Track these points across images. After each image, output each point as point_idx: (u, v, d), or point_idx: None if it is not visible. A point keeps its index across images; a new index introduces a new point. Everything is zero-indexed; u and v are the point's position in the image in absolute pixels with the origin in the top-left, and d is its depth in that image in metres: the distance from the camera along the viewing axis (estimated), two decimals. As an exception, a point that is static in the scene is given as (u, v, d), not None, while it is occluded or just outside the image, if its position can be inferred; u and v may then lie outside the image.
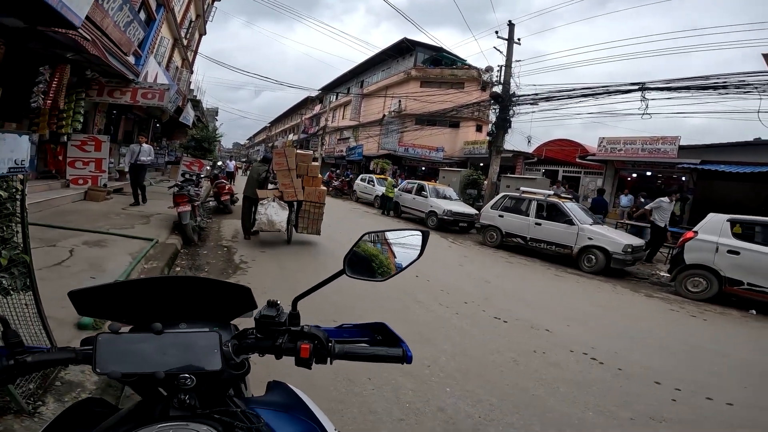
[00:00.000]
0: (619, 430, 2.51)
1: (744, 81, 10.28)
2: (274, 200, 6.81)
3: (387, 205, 14.54)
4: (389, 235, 1.04)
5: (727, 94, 10.57)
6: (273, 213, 6.64)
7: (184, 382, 0.67)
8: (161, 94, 9.57)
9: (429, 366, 3.09)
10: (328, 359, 0.81)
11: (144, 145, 8.53)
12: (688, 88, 11.03)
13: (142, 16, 10.62)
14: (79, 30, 5.78)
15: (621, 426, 2.56)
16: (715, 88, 10.62)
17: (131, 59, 9.66)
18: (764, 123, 10.05)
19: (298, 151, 7.52)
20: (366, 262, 0.98)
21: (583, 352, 3.70)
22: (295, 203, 7.00)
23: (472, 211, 12.00)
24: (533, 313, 4.77)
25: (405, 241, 1.03)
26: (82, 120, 8.57)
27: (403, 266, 0.99)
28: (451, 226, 11.46)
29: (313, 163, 7.48)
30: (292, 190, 6.92)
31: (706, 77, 10.78)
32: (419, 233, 1.03)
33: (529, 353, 3.57)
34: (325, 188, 7.99)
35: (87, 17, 5.79)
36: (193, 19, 18.41)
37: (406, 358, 0.83)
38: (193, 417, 0.68)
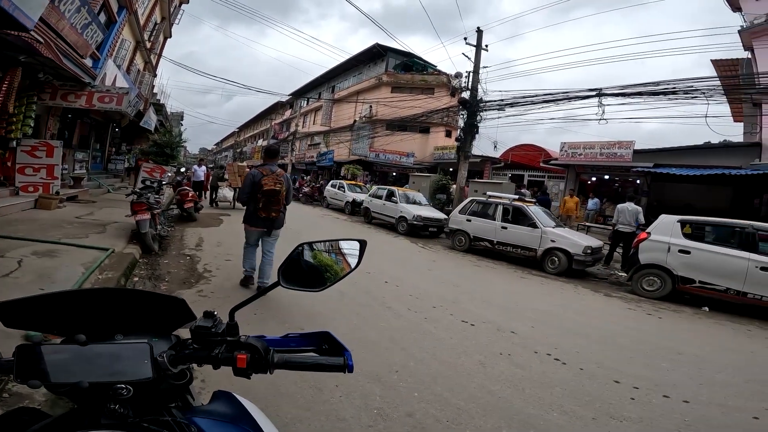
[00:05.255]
0: (582, 430, 2.57)
1: (692, 87, 10.83)
2: (226, 186, 13.80)
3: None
4: (326, 246, 1.04)
5: (676, 99, 11.11)
6: (226, 193, 13.67)
7: (120, 392, 0.68)
8: (119, 98, 9.20)
9: (398, 371, 3.09)
10: (268, 369, 0.81)
11: None
12: (640, 93, 11.55)
13: (102, 18, 10.24)
14: (32, 32, 5.54)
15: (584, 426, 2.62)
16: (665, 93, 11.16)
17: (88, 62, 9.28)
18: (712, 128, 10.70)
19: (239, 164, 15.69)
20: (302, 273, 0.99)
21: (546, 353, 3.80)
22: (236, 188, 12.62)
23: (441, 215, 12.14)
24: (500, 316, 4.87)
25: (342, 252, 1.04)
26: (33, 124, 8.12)
27: (339, 276, 1.00)
28: (421, 231, 11.56)
29: (246, 169, 12.63)
30: (235, 182, 12.94)
31: (657, 83, 11.34)
32: (357, 243, 1.04)
33: (495, 356, 3.63)
34: None
35: (41, 19, 5.57)
36: (158, 22, 17.86)
37: (347, 367, 0.83)
38: (124, 426, 0.68)
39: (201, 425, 0.75)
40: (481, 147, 20.84)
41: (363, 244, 1.04)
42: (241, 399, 0.90)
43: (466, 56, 14.80)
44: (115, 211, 8.36)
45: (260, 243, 4.77)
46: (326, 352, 0.90)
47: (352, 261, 1.02)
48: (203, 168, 15.13)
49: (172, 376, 0.75)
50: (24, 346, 0.68)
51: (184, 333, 0.88)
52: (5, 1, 4.42)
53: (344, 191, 17.21)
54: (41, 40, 6.15)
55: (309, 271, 0.99)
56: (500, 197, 9.72)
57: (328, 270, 1.00)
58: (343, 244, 1.05)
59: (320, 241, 1.04)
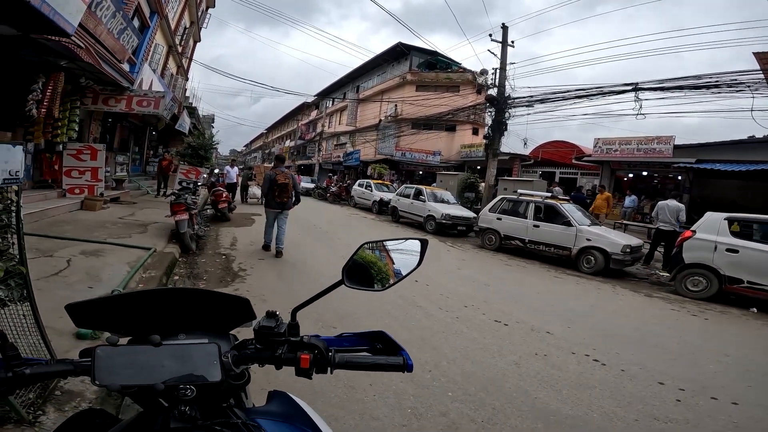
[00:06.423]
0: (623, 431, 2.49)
1: (736, 80, 10.30)
2: (255, 185, 15.50)
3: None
4: (388, 245, 1.04)
5: (719, 93, 10.58)
6: (255, 190, 14.96)
7: (184, 393, 0.67)
8: (156, 101, 9.56)
9: (431, 371, 3.07)
10: (329, 369, 0.81)
11: None
12: (680, 87, 11.06)
13: (136, 23, 10.62)
14: (73, 37, 5.75)
15: (626, 427, 2.54)
16: (707, 87, 10.65)
17: (126, 67, 9.65)
18: (758, 121, 10.10)
19: (266, 165, 19.58)
20: (365, 273, 0.99)
21: (584, 354, 3.69)
22: None
23: (470, 214, 11.98)
24: (533, 316, 4.76)
25: (404, 250, 1.03)
26: (77, 128, 8.54)
27: (403, 275, 0.99)
28: (450, 229, 11.45)
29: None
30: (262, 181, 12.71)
31: (698, 77, 10.83)
32: (418, 242, 1.04)
33: (530, 356, 3.55)
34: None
35: (80, 24, 5.76)
36: (188, 26, 18.45)
37: (406, 367, 0.83)
38: (194, 429, 0.68)
39: (263, 426, 0.75)
40: (509, 144, 20.46)
41: (424, 243, 1.03)
42: (296, 399, 0.91)
43: (492, 53, 14.58)
44: (154, 211, 8.71)
45: (276, 221, 6.61)
46: (380, 351, 0.90)
47: (414, 260, 1.02)
48: (235, 169, 15.16)
49: (234, 376, 0.75)
50: (99, 348, 0.68)
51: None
52: (45, 6, 4.52)
53: (371, 190, 17.26)
54: (82, 45, 6.34)
55: (370, 271, 0.99)
56: (532, 195, 9.50)
57: (389, 269, 1.00)
58: (404, 244, 1.05)
59: (381, 240, 1.04)
